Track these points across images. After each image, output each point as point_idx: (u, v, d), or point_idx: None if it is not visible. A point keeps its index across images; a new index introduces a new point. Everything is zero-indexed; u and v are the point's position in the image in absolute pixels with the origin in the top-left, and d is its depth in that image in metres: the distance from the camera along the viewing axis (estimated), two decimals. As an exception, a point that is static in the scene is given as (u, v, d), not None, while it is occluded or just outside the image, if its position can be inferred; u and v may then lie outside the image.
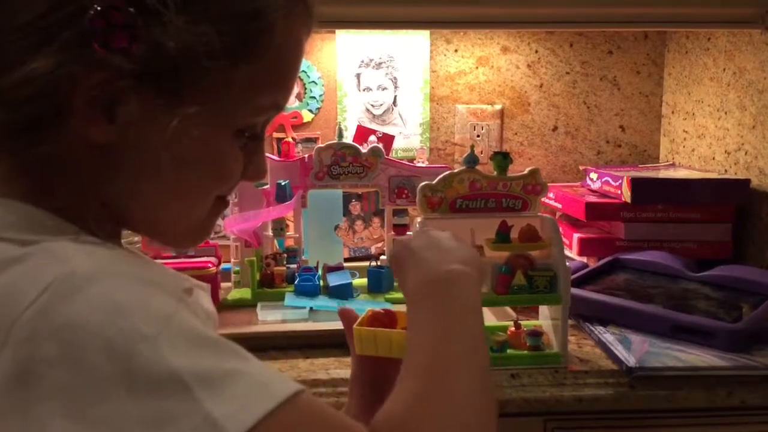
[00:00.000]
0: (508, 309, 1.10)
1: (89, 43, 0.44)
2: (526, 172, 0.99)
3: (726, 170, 1.32)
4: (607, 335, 1.00)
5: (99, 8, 0.43)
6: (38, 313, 0.39)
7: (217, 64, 0.47)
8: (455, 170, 0.98)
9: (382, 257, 1.32)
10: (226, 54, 0.47)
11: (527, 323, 1.00)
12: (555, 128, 1.56)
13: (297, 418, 0.40)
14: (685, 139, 1.47)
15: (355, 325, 0.68)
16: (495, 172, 0.99)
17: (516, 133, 1.55)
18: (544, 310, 1.01)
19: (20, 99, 0.45)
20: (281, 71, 0.52)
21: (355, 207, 1.50)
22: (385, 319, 0.69)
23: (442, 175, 0.98)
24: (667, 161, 1.53)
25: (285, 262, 1.26)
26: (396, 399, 0.48)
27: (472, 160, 0.98)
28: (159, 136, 0.47)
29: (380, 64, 1.50)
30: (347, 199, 1.46)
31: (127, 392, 0.37)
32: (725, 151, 1.33)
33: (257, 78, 0.50)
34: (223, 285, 1.23)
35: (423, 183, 0.98)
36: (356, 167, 1.28)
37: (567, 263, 0.95)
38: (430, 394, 0.47)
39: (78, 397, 0.37)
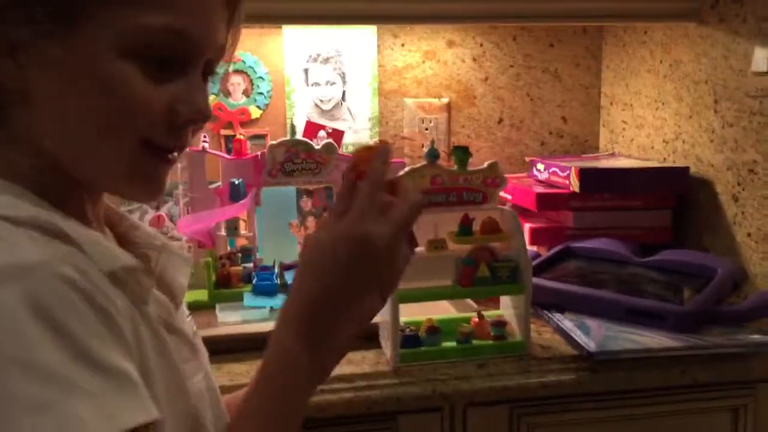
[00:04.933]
0: (469, 301, 1.12)
1: None
2: (485, 165, 1.01)
3: (665, 158, 1.38)
4: (566, 322, 1.03)
5: None
6: None
7: None
8: (417, 165, 0.99)
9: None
10: None
11: (489, 313, 1.02)
12: (500, 120, 1.59)
13: None
14: (624, 129, 1.53)
15: None
16: (455, 167, 1.00)
17: (463, 126, 1.58)
18: (505, 300, 1.03)
19: None
20: None
21: (306, 203, 1.48)
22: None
23: (403, 171, 0.99)
24: (607, 151, 1.59)
25: (240, 262, 1.24)
26: None
27: (433, 155, 0.99)
28: (49, 71, 0.50)
29: (328, 59, 1.49)
30: (297, 195, 1.44)
31: None
32: (663, 140, 1.39)
33: None
34: (178, 287, 1.20)
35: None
36: (310, 163, 1.26)
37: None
38: None
39: None
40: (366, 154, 0.62)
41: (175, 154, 0.56)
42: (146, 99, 0.52)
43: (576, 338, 0.97)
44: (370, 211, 0.57)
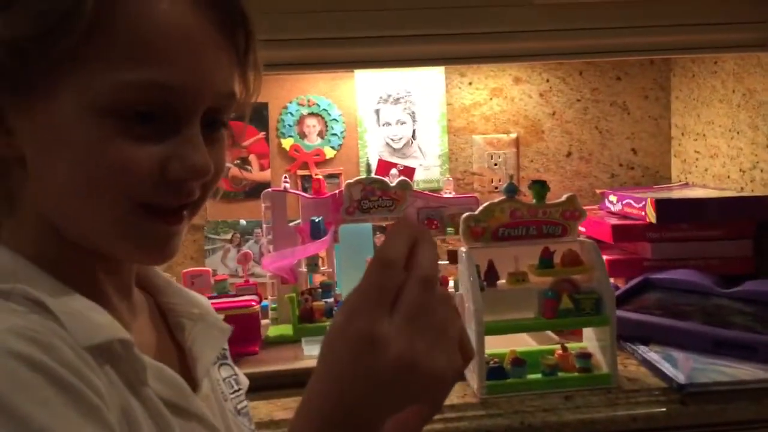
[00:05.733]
0: (549, 333, 1.12)
1: None
2: (564, 198, 1.02)
3: (742, 188, 1.36)
4: (652, 354, 1.02)
5: None
6: None
7: (30, 44, 0.46)
8: (496, 200, 1.02)
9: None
10: (40, 31, 0.46)
11: (573, 345, 1.02)
12: (569, 154, 1.60)
13: None
14: (697, 159, 1.52)
15: None
16: (534, 200, 1.02)
17: (532, 161, 1.60)
18: (588, 332, 1.03)
19: None
20: (137, 42, 0.47)
21: (380, 239, 1.52)
22: None
23: (483, 205, 1.01)
24: (680, 181, 1.57)
25: (320, 297, 1.28)
26: None
27: (512, 190, 1.01)
28: (34, 136, 0.48)
29: (398, 99, 1.54)
30: (372, 231, 1.48)
31: None
32: (740, 170, 1.37)
33: (102, 50, 0.46)
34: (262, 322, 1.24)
35: (466, 214, 1.01)
36: (386, 201, 1.30)
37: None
38: None
39: None
40: None
41: (185, 212, 0.52)
42: (130, 160, 0.48)
43: (664, 370, 0.96)
44: (378, 300, 0.42)
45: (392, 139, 1.54)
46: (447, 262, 1.32)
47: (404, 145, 1.55)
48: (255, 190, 1.46)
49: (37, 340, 0.43)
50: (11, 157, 0.49)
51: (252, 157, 1.50)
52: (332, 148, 1.52)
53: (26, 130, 0.48)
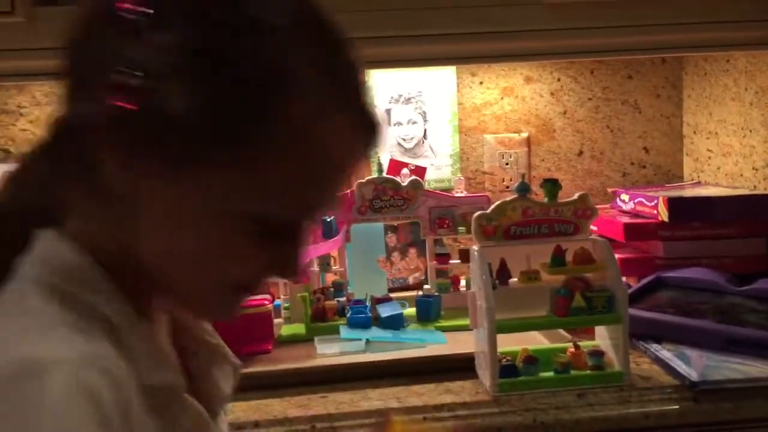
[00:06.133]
0: (561, 331, 1.12)
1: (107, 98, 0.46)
2: (576, 197, 1.02)
3: (755, 186, 1.36)
4: (664, 352, 1.02)
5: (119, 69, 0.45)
6: None
7: (202, 137, 0.46)
8: (508, 199, 1.02)
9: (426, 286, 1.35)
10: (215, 130, 0.45)
11: (585, 344, 1.03)
12: (580, 153, 1.60)
13: None
14: (709, 157, 1.51)
15: None
16: (546, 199, 1.03)
17: (543, 160, 1.60)
18: (600, 330, 1.04)
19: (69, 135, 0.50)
20: (306, 167, 0.48)
21: (391, 239, 1.52)
22: None
23: (495, 204, 1.02)
24: (692, 180, 1.57)
25: (332, 296, 1.29)
26: None
27: (524, 188, 1.01)
28: (162, 198, 0.48)
29: (409, 99, 1.54)
30: (383, 231, 1.48)
31: None
32: (753, 168, 1.37)
33: (264, 166, 0.47)
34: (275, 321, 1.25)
35: (478, 212, 1.01)
36: (397, 200, 1.31)
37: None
38: None
39: None
40: None
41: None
42: (244, 257, 0.50)
43: (677, 368, 0.96)
44: None
45: (403, 139, 1.55)
46: (459, 261, 1.33)
47: (415, 144, 1.55)
48: (267, 190, 1.46)
49: (108, 373, 0.43)
50: (120, 193, 0.48)
51: (264, 158, 1.51)
52: (344, 148, 1.53)
53: (151, 190, 0.48)
